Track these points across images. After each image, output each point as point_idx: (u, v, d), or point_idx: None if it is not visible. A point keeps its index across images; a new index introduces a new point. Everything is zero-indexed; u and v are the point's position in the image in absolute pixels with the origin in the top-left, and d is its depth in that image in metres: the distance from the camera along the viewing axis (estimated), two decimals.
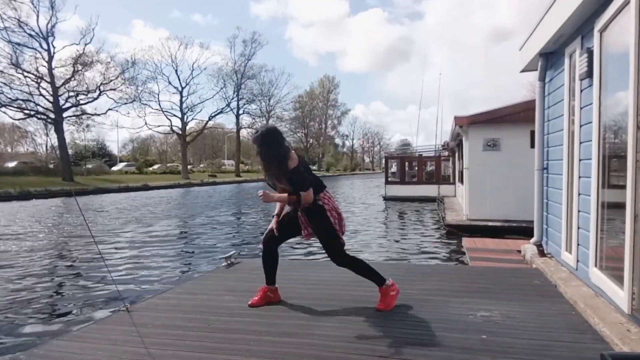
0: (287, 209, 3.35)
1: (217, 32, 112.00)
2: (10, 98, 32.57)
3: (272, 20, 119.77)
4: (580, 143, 3.81)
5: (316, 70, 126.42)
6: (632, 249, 2.64)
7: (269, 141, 3.03)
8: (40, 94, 34.52)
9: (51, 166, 37.59)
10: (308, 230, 3.22)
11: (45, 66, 34.32)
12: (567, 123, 4.26)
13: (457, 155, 17.85)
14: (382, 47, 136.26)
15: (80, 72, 36.25)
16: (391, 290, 3.26)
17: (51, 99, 34.88)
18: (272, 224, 3.35)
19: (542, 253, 5.04)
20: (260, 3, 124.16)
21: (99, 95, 37.67)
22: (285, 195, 3.11)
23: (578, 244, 3.84)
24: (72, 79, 35.87)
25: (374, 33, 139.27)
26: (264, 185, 3.47)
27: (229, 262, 4.84)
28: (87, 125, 42.04)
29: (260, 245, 3.39)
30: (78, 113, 38.91)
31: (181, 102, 48.70)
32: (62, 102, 35.66)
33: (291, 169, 3.03)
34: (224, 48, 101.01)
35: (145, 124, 47.10)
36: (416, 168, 23.33)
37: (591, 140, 3.43)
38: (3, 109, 32.65)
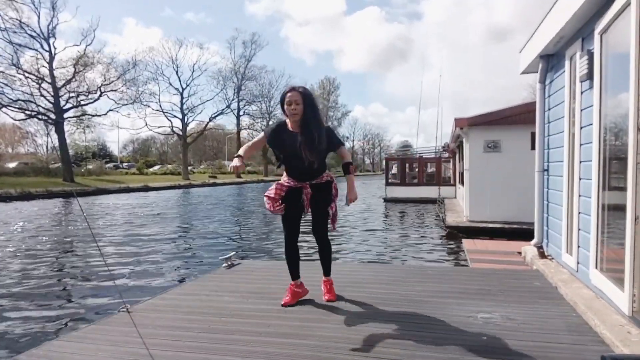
0: (284, 179, 3.25)
1: (210, 31, 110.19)
2: (11, 99, 32.66)
3: (267, 18, 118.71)
4: (581, 145, 3.82)
5: (314, 69, 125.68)
6: (633, 250, 2.64)
7: (312, 97, 3.20)
8: (41, 95, 34.60)
9: (52, 166, 37.58)
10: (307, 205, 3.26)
11: (46, 67, 34.41)
12: (568, 125, 4.26)
13: (457, 156, 17.85)
14: (380, 46, 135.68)
15: (81, 72, 36.32)
16: (331, 282, 3.52)
17: (52, 99, 34.93)
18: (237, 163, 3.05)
19: (542, 255, 5.04)
20: (254, 1, 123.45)
21: (100, 96, 37.71)
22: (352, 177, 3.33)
23: (578, 246, 3.84)
24: (73, 79, 35.92)
25: (371, 32, 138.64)
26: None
27: (228, 263, 4.85)
28: (87, 126, 42.15)
29: (284, 238, 3.36)
30: (79, 114, 39.01)
31: (182, 103, 48.77)
32: (62, 102, 35.71)
33: (326, 126, 3.25)
34: (221, 48, 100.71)
35: (146, 124, 47.01)
36: (417, 169, 23.33)
37: (592, 142, 3.44)
38: (4, 109, 32.73)
